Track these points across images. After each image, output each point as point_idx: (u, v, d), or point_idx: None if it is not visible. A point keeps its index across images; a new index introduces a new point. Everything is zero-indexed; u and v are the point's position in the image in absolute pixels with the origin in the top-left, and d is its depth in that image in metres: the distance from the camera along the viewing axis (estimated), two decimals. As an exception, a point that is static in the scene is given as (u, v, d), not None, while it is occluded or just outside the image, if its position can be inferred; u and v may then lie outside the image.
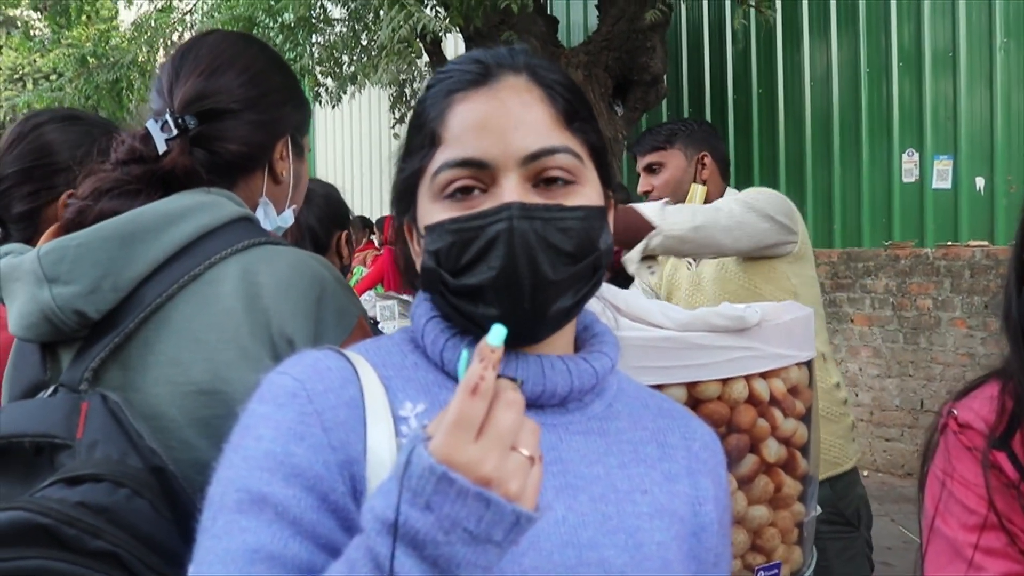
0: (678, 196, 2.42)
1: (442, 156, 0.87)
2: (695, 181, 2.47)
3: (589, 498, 0.86)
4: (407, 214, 0.94)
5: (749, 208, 2.10)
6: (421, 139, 0.90)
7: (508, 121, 0.86)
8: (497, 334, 0.68)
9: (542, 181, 0.86)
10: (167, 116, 1.19)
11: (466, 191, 0.85)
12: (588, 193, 0.88)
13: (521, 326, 0.83)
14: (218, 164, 1.22)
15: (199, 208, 1.15)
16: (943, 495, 1.13)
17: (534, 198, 0.84)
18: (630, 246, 1.93)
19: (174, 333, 1.10)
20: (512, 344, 0.83)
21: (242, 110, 1.24)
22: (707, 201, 2.41)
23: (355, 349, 0.90)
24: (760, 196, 2.17)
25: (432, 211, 0.87)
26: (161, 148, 1.18)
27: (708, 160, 2.49)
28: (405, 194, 0.93)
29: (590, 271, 0.86)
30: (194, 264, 1.11)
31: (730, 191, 2.49)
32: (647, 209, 1.94)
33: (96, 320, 1.10)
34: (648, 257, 1.97)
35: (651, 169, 2.51)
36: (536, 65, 0.91)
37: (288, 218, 1.36)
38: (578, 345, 0.95)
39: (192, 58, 1.27)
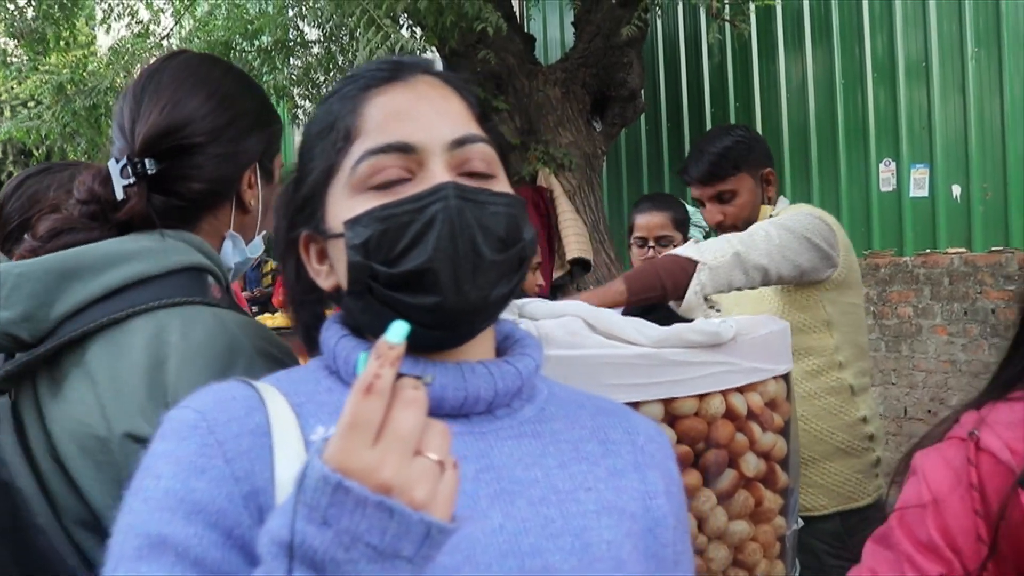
0: (751, 221, 2.29)
1: (362, 146, 0.83)
2: (763, 201, 2.35)
3: (528, 502, 0.80)
4: (308, 225, 0.88)
5: (786, 229, 2.02)
6: (332, 138, 0.86)
7: (431, 108, 0.84)
8: (397, 331, 0.62)
9: (467, 168, 0.83)
10: (125, 160, 1.18)
11: (391, 178, 0.81)
12: (505, 187, 0.86)
13: (462, 314, 0.79)
14: (181, 206, 1.21)
15: (142, 254, 1.15)
16: (913, 516, 1.03)
17: (464, 183, 0.81)
18: (681, 294, 1.88)
19: (85, 375, 1.11)
20: (437, 349, 0.82)
21: (207, 143, 1.22)
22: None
23: (265, 380, 0.86)
24: (798, 217, 2.09)
25: (353, 205, 0.82)
26: (119, 195, 1.18)
27: (772, 175, 2.38)
28: (308, 202, 0.88)
29: (517, 261, 0.83)
30: (118, 308, 1.11)
31: (782, 200, 2.41)
32: (681, 250, 1.91)
33: (31, 343, 1.12)
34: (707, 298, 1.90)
35: (721, 198, 2.35)
36: (445, 71, 0.90)
37: (257, 247, 1.34)
38: (499, 354, 0.91)
39: (153, 88, 1.24)
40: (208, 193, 1.23)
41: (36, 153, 7.34)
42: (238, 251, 1.31)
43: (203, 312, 1.14)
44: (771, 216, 2.26)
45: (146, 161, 1.18)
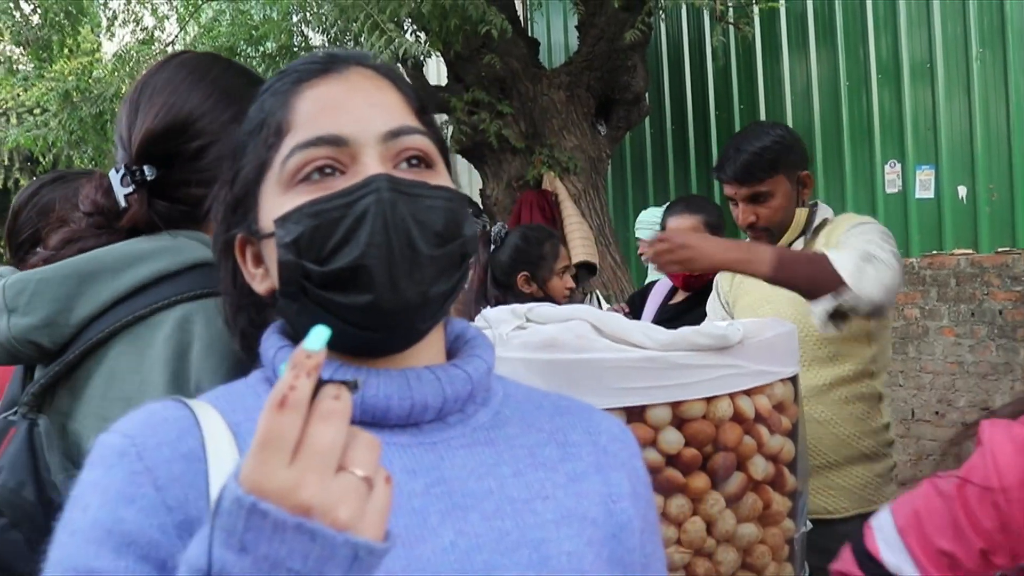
0: (784, 224, 2.28)
1: (292, 140, 0.79)
2: (798, 204, 2.31)
3: (481, 516, 0.76)
4: (242, 226, 0.84)
5: (891, 253, 2.00)
6: (263, 135, 0.82)
7: (363, 100, 0.80)
8: (317, 337, 0.57)
9: (403, 162, 0.80)
10: (124, 169, 1.19)
11: (323, 172, 0.77)
12: (445, 181, 0.82)
13: (400, 312, 0.75)
14: (182, 210, 1.22)
15: (160, 252, 1.16)
16: (975, 495, 1.04)
17: (399, 175, 0.77)
18: (813, 295, 1.90)
19: (107, 369, 1.12)
20: (378, 353, 0.78)
21: (204, 146, 1.22)
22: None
23: (203, 397, 0.82)
24: (882, 232, 2.09)
25: (283, 202, 0.78)
26: (121, 203, 1.19)
27: (809, 178, 2.34)
28: (241, 202, 0.84)
29: (459, 257, 0.79)
30: (141, 305, 1.12)
31: (823, 207, 2.36)
32: (841, 263, 1.89)
33: (53, 351, 1.13)
34: (839, 316, 1.91)
35: (756, 199, 2.28)
36: (380, 63, 0.87)
37: None
38: (450, 356, 0.87)
39: (149, 94, 1.24)
40: (208, 197, 1.22)
41: (43, 161, 7.35)
42: None
43: None
44: (823, 222, 2.26)
45: (144, 168, 1.19)
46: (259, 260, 0.84)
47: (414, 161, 0.80)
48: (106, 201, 1.20)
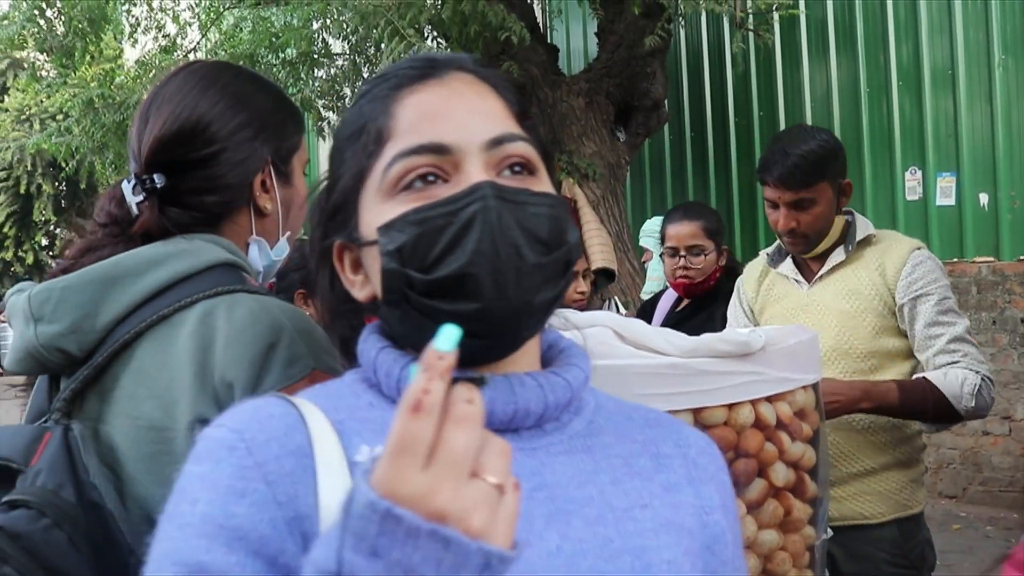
0: (823, 232, 2.24)
1: (394, 148, 0.78)
2: (838, 211, 2.27)
3: (584, 522, 0.76)
4: (341, 233, 0.84)
5: (959, 316, 2.16)
6: (363, 142, 0.81)
7: (466, 107, 0.79)
8: (447, 337, 0.55)
9: (506, 169, 0.78)
10: (134, 179, 1.21)
11: (426, 180, 0.76)
12: (548, 188, 0.81)
13: (507, 320, 0.74)
14: (196, 216, 1.24)
15: (179, 254, 1.19)
16: None
17: (503, 183, 0.76)
18: (939, 423, 2.17)
19: (134, 370, 1.15)
20: (481, 361, 0.77)
21: (214, 153, 1.24)
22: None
23: (302, 395, 0.81)
24: (944, 280, 2.17)
25: (385, 211, 0.77)
26: (134, 211, 1.21)
27: (849, 186, 2.31)
28: (340, 209, 0.84)
29: (563, 265, 0.78)
30: (164, 305, 1.15)
31: (862, 221, 2.32)
32: (947, 388, 2.06)
33: (79, 357, 1.16)
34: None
35: (799, 204, 2.22)
36: (480, 67, 0.85)
37: (282, 249, 1.36)
38: (545, 364, 0.86)
39: (158, 104, 1.26)
40: (219, 204, 1.25)
41: (66, 167, 7.43)
42: (264, 255, 1.33)
43: (244, 297, 1.17)
44: (868, 238, 2.28)
45: (154, 176, 1.21)
46: (358, 267, 0.84)
47: (517, 168, 0.79)
48: (119, 211, 1.22)
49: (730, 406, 1.30)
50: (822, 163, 2.19)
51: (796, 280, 2.34)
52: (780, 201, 2.23)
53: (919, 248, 2.21)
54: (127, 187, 1.22)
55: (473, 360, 0.77)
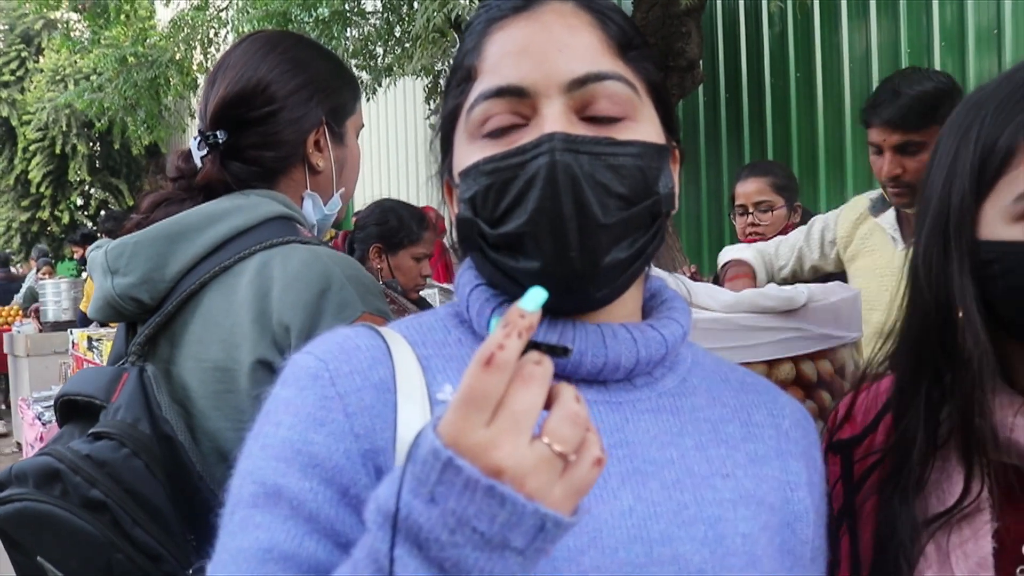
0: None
1: (478, 88, 0.76)
2: None
3: (661, 485, 0.74)
4: (446, 170, 0.83)
5: None
6: (457, 77, 0.80)
7: (551, 44, 0.74)
8: (533, 297, 0.56)
9: (591, 116, 0.74)
10: (199, 136, 1.35)
11: (505, 130, 0.74)
12: (645, 131, 0.76)
13: (570, 282, 0.71)
14: (254, 171, 1.37)
15: (236, 210, 1.31)
16: None
17: (581, 130, 0.73)
18: None
19: (201, 316, 1.28)
20: (569, 311, 0.75)
21: (273, 112, 1.35)
22: None
23: (393, 326, 0.81)
24: None
25: (468, 153, 0.76)
26: (198, 164, 1.36)
27: None
28: (443, 147, 0.83)
29: (648, 219, 0.74)
30: (226, 257, 1.28)
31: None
32: None
33: (151, 305, 1.30)
34: None
35: (906, 148, 2.08)
36: None
37: (335, 204, 1.46)
38: (645, 314, 0.84)
39: (224, 68, 1.38)
40: (275, 160, 1.37)
41: (98, 124, 7.48)
42: (317, 209, 1.43)
43: (298, 248, 1.28)
44: None
45: (217, 133, 1.34)
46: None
47: (604, 110, 0.75)
48: (186, 165, 1.37)
49: (771, 363, 1.29)
50: (936, 104, 2.03)
51: (893, 237, 2.20)
52: (885, 145, 2.10)
53: None
54: (194, 143, 1.36)
55: (563, 310, 0.76)
